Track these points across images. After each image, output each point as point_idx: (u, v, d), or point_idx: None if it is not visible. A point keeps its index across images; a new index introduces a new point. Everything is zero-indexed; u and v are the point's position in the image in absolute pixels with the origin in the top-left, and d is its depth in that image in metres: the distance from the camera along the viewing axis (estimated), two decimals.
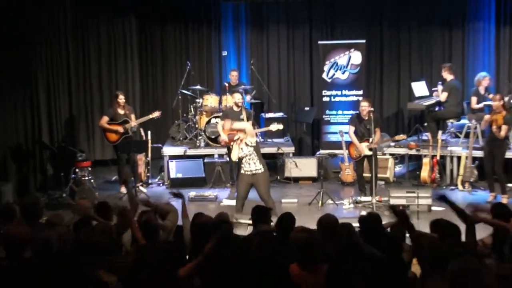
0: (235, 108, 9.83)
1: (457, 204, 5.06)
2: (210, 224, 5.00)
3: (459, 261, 3.72)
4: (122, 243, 5.19)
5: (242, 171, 8.01)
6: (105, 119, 10.12)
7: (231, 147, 8.49)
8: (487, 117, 9.14)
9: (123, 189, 10.11)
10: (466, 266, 3.67)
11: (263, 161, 8.02)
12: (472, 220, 4.82)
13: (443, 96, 10.71)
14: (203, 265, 4.32)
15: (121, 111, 10.10)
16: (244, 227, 7.42)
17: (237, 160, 8.24)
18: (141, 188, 10.18)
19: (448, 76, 10.85)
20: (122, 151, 10.12)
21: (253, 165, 7.89)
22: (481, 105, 10.56)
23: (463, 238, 4.80)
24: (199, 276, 4.32)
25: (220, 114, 10.59)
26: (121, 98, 10.09)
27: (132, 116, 10.20)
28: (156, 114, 10.40)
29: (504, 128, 8.90)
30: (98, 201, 6.13)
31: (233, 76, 11.59)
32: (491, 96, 10.25)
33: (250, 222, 7.07)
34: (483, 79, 10.74)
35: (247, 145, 7.89)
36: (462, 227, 4.87)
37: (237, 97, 9.88)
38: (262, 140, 11.23)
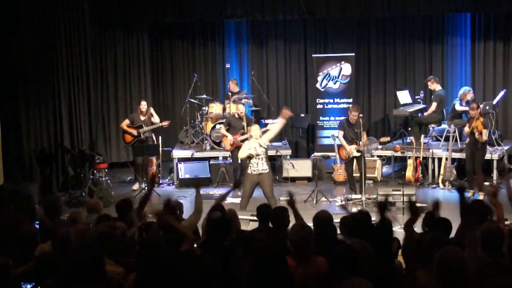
0: (237, 116, 9.80)
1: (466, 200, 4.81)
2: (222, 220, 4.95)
3: (442, 252, 3.62)
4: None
5: (249, 171, 7.86)
6: (126, 122, 10.36)
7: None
8: (466, 130, 9.06)
9: (135, 186, 10.29)
10: (450, 256, 3.56)
11: (269, 162, 7.94)
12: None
13: (433, 106, 10.66)
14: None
15: (142, 117, 10.28)
16: (245, 222, 7.35)
17: (244, 158, 8.08)
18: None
19: (436, 86, 10.83)
20: (136, 155, 10.26)
21: (260, 166, 7.77)
22: (463, 107, 10.46)
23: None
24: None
25: (224, 120, 10.56)
26: (142, 105, 10.31)
27: (153, 119, 10.33)
28: (165, 123, 10.47)
29: (484, 132, 8.88)
30: (120, 199, 5.98)
31: (231, 85, 11.52)
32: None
33: (252, 218, 7.03)
34: (468, 92, 10.64)
35: (260, 146, 7.79)
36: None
37: (241, 109, 9.85)
38: None
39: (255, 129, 7.98)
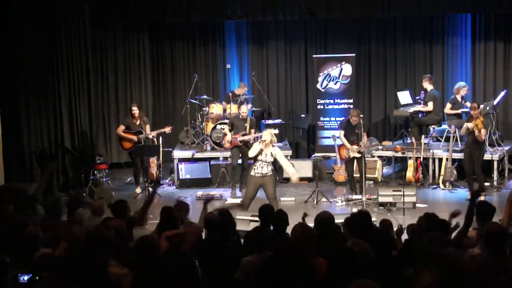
0: (240, 117, 9.83)
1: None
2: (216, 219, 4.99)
3: (442, 254, 3.65)
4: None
5: (252, 173, 7.82)
6: (122, 127, 10.15)
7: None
8: (470, 125, 9.01)
9: (138, 190, 10.10)
10: (450, 258, 3.59)
11: (272, 166, 7.91)
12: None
13: (430, 106, 10.68)
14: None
15: (136, 121, 10.10)
16: (246, 223, 7.36)
17: (253, 157, 7.96)
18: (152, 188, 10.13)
19: (428, 86, 10.83)
20: (136, 155, 10.11)
21: (265, 169, 7.75)
22: (448, 108, 10.53)
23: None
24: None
25: (225, 120, 10.58)
26: (134, 110, 10.07)
27: (147, 127, 10.17)
28: (167, 129, 10.38)
29: (483, 131, 8.86)
30: (115, 199, 6.01)
31: (241, 89, 11.52)
32: (468, 104, 10.27)
33: (252, 218, 7.04)
34: (462, 88, 10.68)
35: (271, 155, 7.77)
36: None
37: (243, 109, 9.87)
38: None
39: (267, 134, 7.83)
